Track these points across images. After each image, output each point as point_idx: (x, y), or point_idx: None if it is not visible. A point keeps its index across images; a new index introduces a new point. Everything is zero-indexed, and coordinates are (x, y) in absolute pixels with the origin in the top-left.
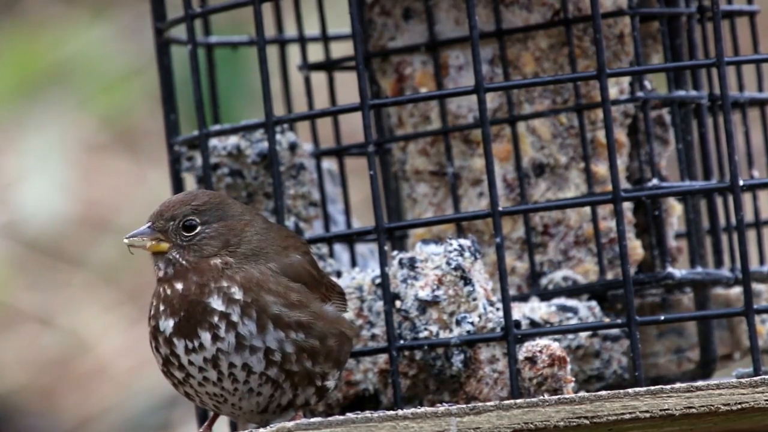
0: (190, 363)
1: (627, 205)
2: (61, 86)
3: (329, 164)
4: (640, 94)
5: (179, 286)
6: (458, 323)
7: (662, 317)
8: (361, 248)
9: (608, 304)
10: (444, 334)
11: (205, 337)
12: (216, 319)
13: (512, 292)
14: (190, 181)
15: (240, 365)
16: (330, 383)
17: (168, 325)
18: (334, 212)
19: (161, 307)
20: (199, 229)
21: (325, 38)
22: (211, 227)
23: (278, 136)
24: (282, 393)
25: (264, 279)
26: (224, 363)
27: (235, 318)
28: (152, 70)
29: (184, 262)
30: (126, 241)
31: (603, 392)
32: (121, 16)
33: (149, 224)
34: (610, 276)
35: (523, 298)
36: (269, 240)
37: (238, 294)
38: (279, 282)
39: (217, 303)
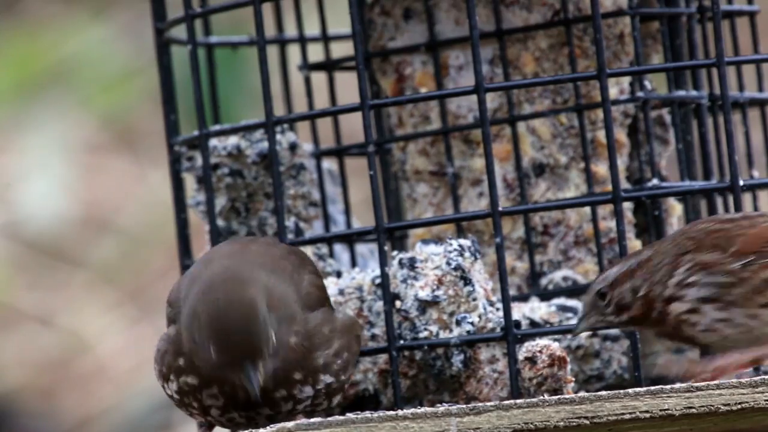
0: (221, 415)
1: (627, 205)
2: (61, 86)
3: (329, 164)
4: (640, 94)
5: (270, 384)
6: (458, 323)
7: None
8: (361, 248)
9: None
10: (444, 334)
11: (263, 410)
12: (277, 398)
13: (512, 292)
14: (190, 181)
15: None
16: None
17: (214, 403)
18: (334, 212)
19: (212, 391)
20: (273, 339)
21: (325, 38)
22: (274, 325)
23: (278, 136)
24: (320, 406)
25: (311, 351)
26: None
27: (294, 392)
28: (152, 70)
29: (279, 365)
30: (256, 393)
31: (603, 392)
32: (121, 16)
33: (253, 365)
34: None
35: (523, 298)
36: (293, 286)
37: (298, 375)
38: (318, 324)
39: (280, 392)
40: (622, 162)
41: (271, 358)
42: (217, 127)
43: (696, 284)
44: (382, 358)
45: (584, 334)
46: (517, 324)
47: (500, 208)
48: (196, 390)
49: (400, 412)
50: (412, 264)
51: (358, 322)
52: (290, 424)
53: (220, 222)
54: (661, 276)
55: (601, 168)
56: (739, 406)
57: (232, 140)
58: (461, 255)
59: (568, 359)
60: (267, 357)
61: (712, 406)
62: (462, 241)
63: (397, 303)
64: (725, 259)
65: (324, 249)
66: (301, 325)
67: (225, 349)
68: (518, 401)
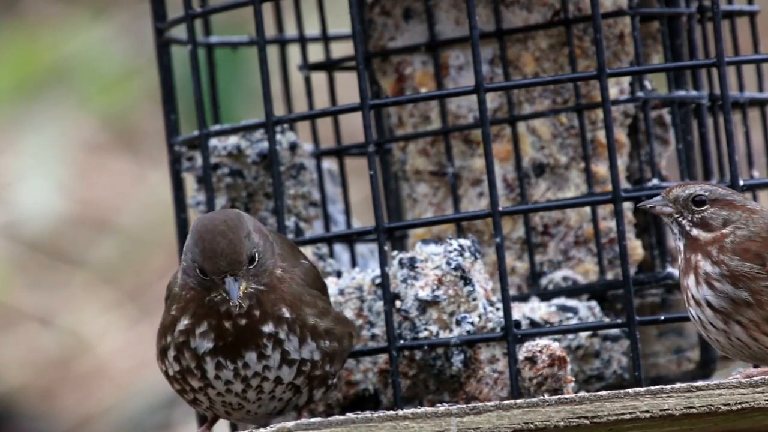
0: (217, 377)
1: (627, 205)
2: (61, 86)
3: (328, 164)
4: (640, 94)
5: (257, 312)
6: (458, 323)
7: (662, 317)
8: (361, 248)
9: (608, 304)
10: (444, 334)
11: (251, 357)
12: (264, 339)
13: (512, 292)
14: (190, 181)
15: (273, 378)
16: (336, 380)
17: (206, 346)
18: (334, 212)
19: (203, 329)
20: (257, 255)
21: (325, 38)
22: (258, 245)
23: (278, 136)
24: (300, 396)
25: (301, 291)
26: (258, 378)
27: (282, 336)
28: (152, 70)
29: (262, 287)
30: (239, 304)
31: (603, 392)
32: (121, 15)
33: (232, 278)
34: (610, 276)
35: (523, 298)
36: (286, 249)
37: (287, 313)
38: (309, 291)
39: (268, 327)
40: (622, 162)
41: (253, 277)
42: (217, 127)
43: (715, 290)
44: (382, 358)
45: (584, 334)
46: (517, 324)
47: (500, 208)
48: (189, 335)
49: (400, 412)
50: (412, 264)
51: (354, 324)
52: (290, 424)
53: None
54: (738, 235)
55: (601, 168)
56: (739, 406)
57: (232, 140)
58: (461, 255)
59: (568, 359)
60: (246, 268)
61: (713, 406)
62: (462, 241)
63: (397, 303)
64: (759, 273)
65: (324, 249)
66: (289, 269)
67: (208, 258)
68: (518, 401)
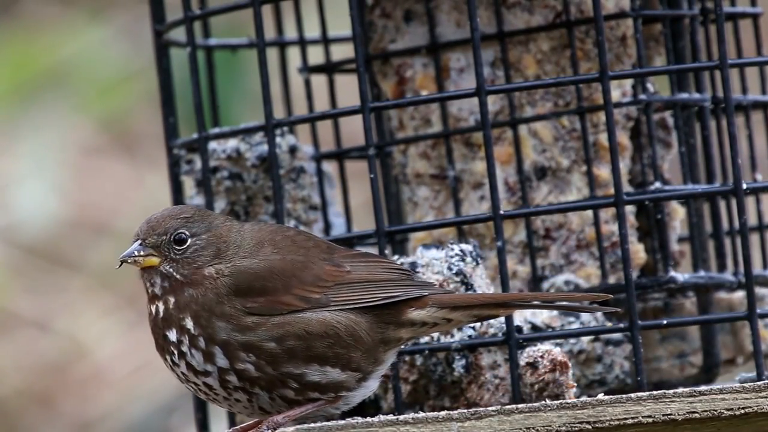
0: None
1: (629, 209)
2: (59, 89)
3: (324, 166)
4: (642, 96)
5: (171, 299)
6: (459, 328)
7: (665, 321)
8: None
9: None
10: (445, 339)
11: (170, 352)
12: (171, 347)
13: None
14: (189, 185)
15: (202, 383)
16: (317, 378)
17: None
18: (330, 214)
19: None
20: (189, 242)
21: (325, 40)
22: (201, 238)
23: (278, 139)
24: (258, 397)
25: (215, 305)
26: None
27: (184, 348)
28: (151, 72)
29: (178, 276)
30: (128, 261)
31: (605, 397)
32: (120, 18)
33: (140, 241)
34: (612, 280)
35: None
36: (245, 239)
37: (189, 324)
38: (232, 304)
39: (172, 335)
40: (624, 165)
41: (173, 261)
42: (216, 130)
43: None
44: None
45: (586, 339)
46: (519, 328)
47: (502, 212)
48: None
49: (401, 417)
50: (413, 268)
51: (335, 325)
52: (290, 429)
53: None
54: None
55: (603, 171)
56: (743, 411)
57: (232, 143)
58: (463, 260)
59: (570, 364)
60: (166, 245)
61: (715, 410)
62: (464, 246)
63: None
64: None
65: None
66: (231, 267)
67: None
68: (520, 406)
